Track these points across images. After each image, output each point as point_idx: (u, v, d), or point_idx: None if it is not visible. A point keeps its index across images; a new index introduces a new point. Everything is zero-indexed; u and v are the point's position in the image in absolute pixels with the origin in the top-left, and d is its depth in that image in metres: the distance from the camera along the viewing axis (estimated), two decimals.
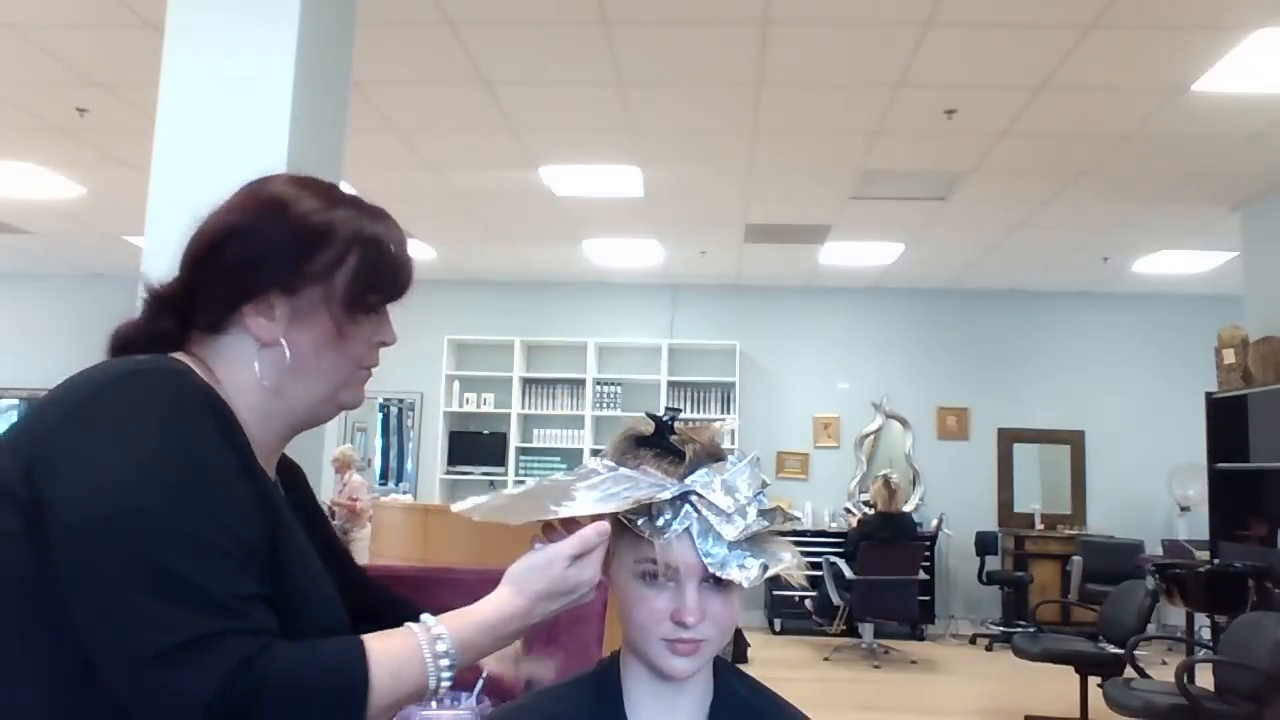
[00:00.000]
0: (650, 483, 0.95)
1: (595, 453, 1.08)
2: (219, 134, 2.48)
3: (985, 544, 8.05)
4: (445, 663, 0.89)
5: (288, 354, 0.98)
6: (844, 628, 7.43)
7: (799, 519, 1.15)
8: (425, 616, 0.92)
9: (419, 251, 7.34)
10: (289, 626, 0.87)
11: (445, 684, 0.89)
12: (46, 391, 0.93)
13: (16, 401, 8.28)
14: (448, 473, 8.45)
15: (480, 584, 0.99)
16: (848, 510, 8.13)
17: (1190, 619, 5.56)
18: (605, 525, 0.95)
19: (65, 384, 0.92)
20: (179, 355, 0.97)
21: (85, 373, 0.92)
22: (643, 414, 1.01)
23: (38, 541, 0.82)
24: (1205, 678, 4.22)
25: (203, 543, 0.82)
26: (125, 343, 1.00)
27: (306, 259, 0.98)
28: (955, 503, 8.31)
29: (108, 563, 0.79)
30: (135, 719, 0.81)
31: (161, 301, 1.01)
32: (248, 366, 0.98)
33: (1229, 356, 5.75)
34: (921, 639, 7.74)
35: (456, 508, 1.02)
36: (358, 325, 1.01)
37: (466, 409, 8.58)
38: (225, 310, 0.98)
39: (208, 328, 0.99)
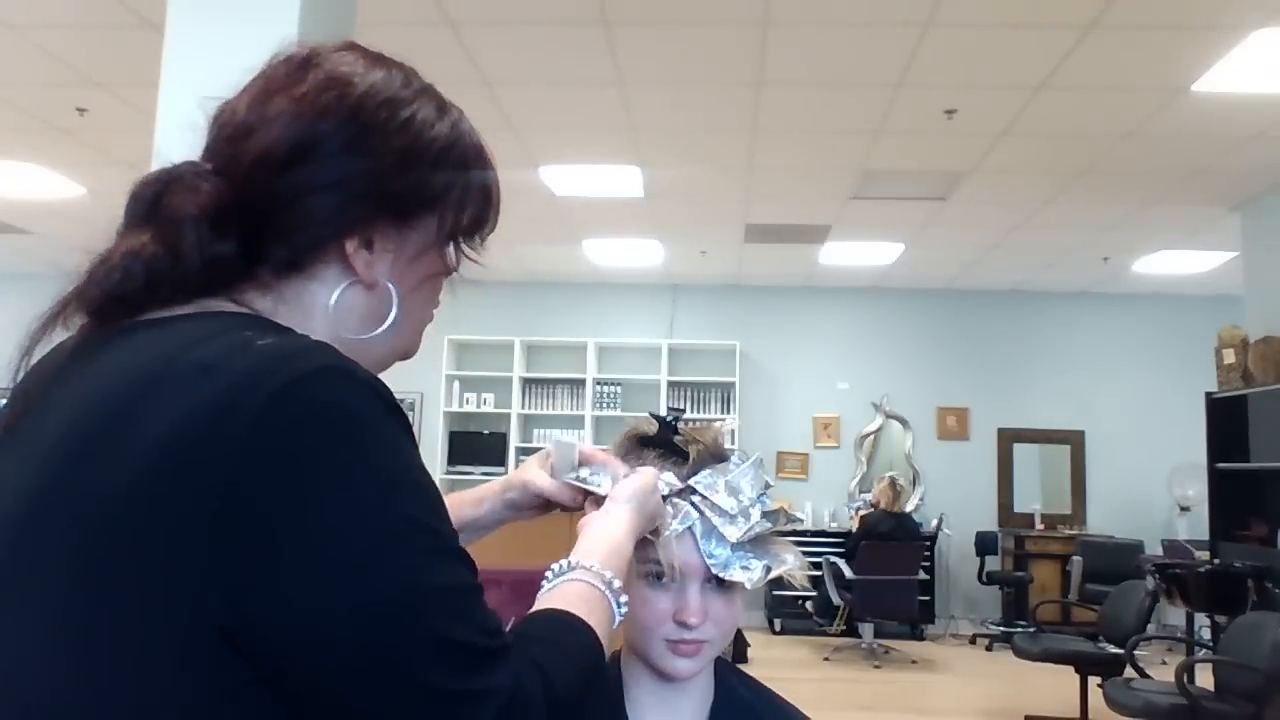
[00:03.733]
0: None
1: None
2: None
3: (985, 544, 8.05)
4: (623, 599, 0.82)
5: (395, 301, 0.76)
6: (844, 628, 7.43)
7: (802, 520, 1.15)
8: (578, 559, 0.82)
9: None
10: None
11: (621, 614, 0.82)
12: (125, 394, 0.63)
13: None
14: (448, 473, 8.45)
15: (483, 583, 0.99)
16: (857, 510, 8.11)
17: (1190, 619, 5.56)
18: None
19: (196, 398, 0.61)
20: (224, 304, 0.71)
21: (209, 375, 0.62)
22: (646, 414, 1.01)
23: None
24: (1205, 678, 4.22)
25: (458, 588, 0.65)
26: (157, 278, 0.69)
27: (428, 182, 0.76)
28: (955, 503, 8.31)
29: (386, 656, 0.60)
30: None
31: (223, 214, 0.70)
32: (324, 316, 0.74)
33: (1229, 356, 5.74)
34: (921, 639, 7.74)
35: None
36: (459, 260, 0.81)
37: (466, 409, 8.58)
38: (316, 243, 0.72)
39: (284, 265, 0.72)
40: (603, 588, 0.80)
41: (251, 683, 0.60)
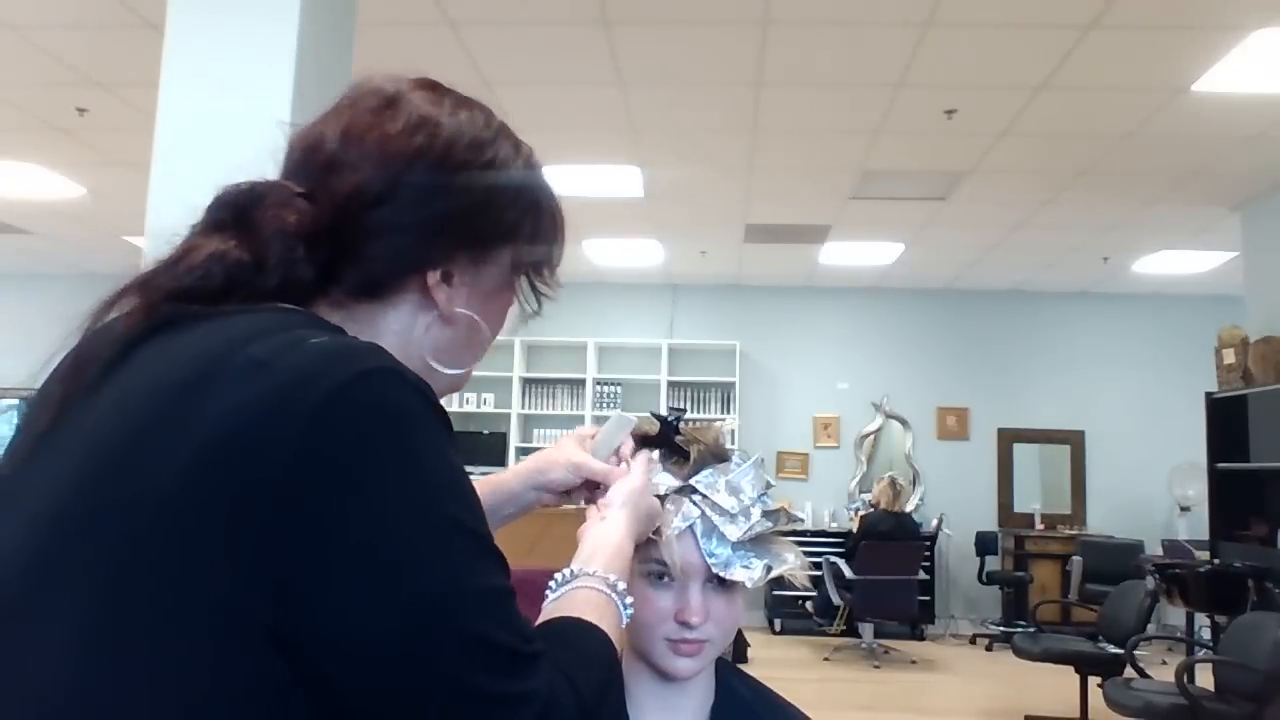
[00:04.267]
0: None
1: None
2: (219, 134, 2.48)
3: (985, 544, 8.05)
4: (628, 600, 0.82)
5: (483, 331, 0.80)
6: (844, 628, 7.43)
7: (802, 520, 1.15)
8: (580, 566, 0.83)
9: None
10: None
11: (628, 616, 0.83)
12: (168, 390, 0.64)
13: (17, 401, 8.28)
14: None
15: None
16: (856, 510, 8.11)
17: (1190, 619, 5.56)
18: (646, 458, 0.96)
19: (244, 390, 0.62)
20: (321, 313, 0.74)
21: (263, 373, 0.62)
22: (648, 414, 1.01)
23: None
24: (1205, 678, 4.22)
25: (498, 591, 0.66)
26: (233, 282, 0.70)
27: (505, 219, 0.79)
28: (955, 503, 8.31)
29: (429, 656, 0.61)
30: None
31: (315, 238, 0.72)
32: (402, 344, 0.75)
33: (1229, 356, 5.74)
34: (921, 639, 7.74)
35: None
36: (528, 294, 0.84)
37: (466, 409, 8.58)
38: (399, 274, 0.75)
39: (363, 292, 0.74)
40: (609, 592, 0.81)
41: (289, 685, 0.60)
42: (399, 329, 0.76)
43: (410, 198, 0.74)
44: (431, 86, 0.81)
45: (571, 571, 0.82)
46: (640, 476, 0.93)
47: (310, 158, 0.77)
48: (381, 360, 0.66)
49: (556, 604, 0.79)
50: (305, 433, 0.60)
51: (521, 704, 0.63)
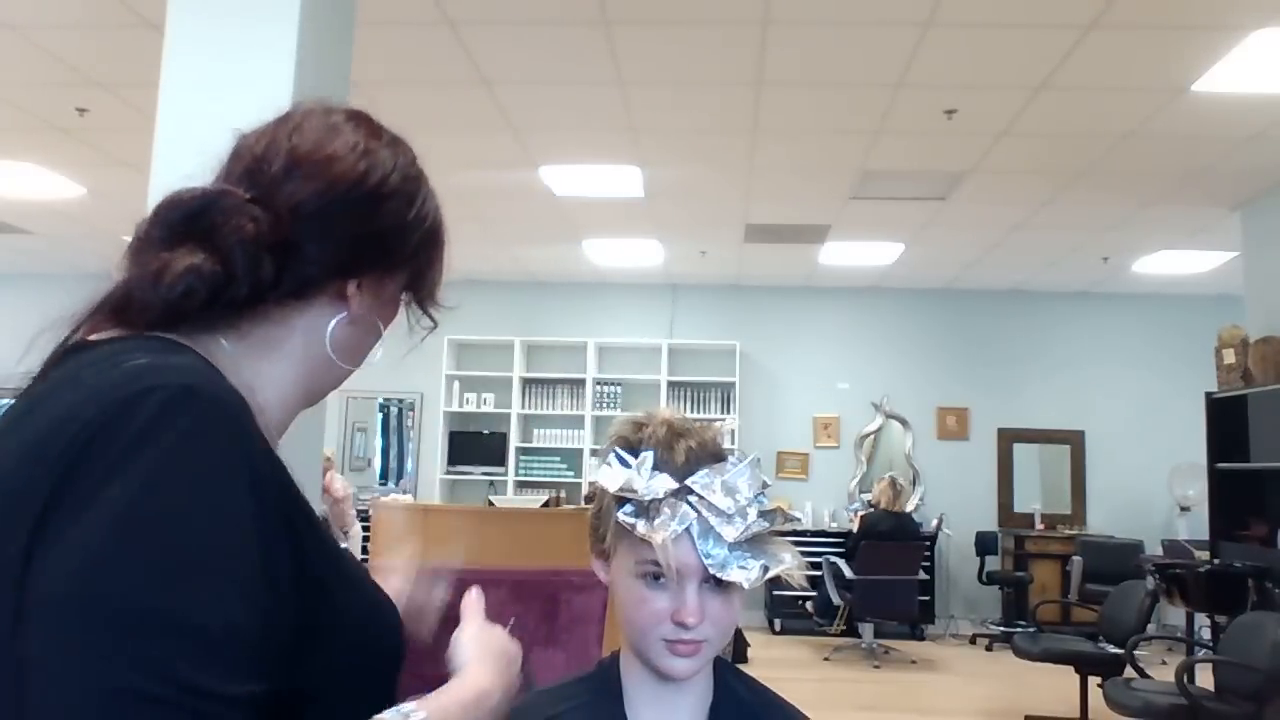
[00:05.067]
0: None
1: (594, 453, 1.08)
2: (219, 134, 2.47)
3: (985, 544, 8.06)
4: None
5: (380, 337, 0.92)
6: (844, 628, 7.43)
7: (799, 520, 1.15)
8: (403, 706, 0.78)
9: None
10: (346, 646, 0.78)
11: None
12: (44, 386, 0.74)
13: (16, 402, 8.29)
14: (448, 473, 8.45)
15: (483, 583, 0.99)
16: (856, 510, 8.11)
17: (1190, 619, 5.57)
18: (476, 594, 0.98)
19: (95, 390, 0.69)
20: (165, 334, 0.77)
21: (128, 378, 0.69)
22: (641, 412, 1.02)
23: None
24: (1205, 678, 4.22)
25: (187, 631, 0.64)
26: (214, 298, 0.76)
27: (411, 244, 0.90)
28: (955, 503, 8.31)
29: (78, 647, 0.61)
30: None
31: (277, 243, 0.79)
32: (309, 339, 0.85)
33: (1229, 356, 5.75)
34: (921, 639, 7.74)
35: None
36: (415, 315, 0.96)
37: (466, 409, 8.58)
38: (327, 278, 0.84)
39: (289, 294, 0.82)
40: None
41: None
42: (307, 326, 0.85)
43: (347, 215, 0.83)
44: (366, 120, 0.91)
45: (405, 706, 0.78)
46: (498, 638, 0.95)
47: (259, 168, 0.83)
48: (171, 378, 0.70)
49: None
50: (72, 441, 0.66)
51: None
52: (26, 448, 0.68)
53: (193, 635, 0.63)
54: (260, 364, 0.82)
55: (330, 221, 0.83)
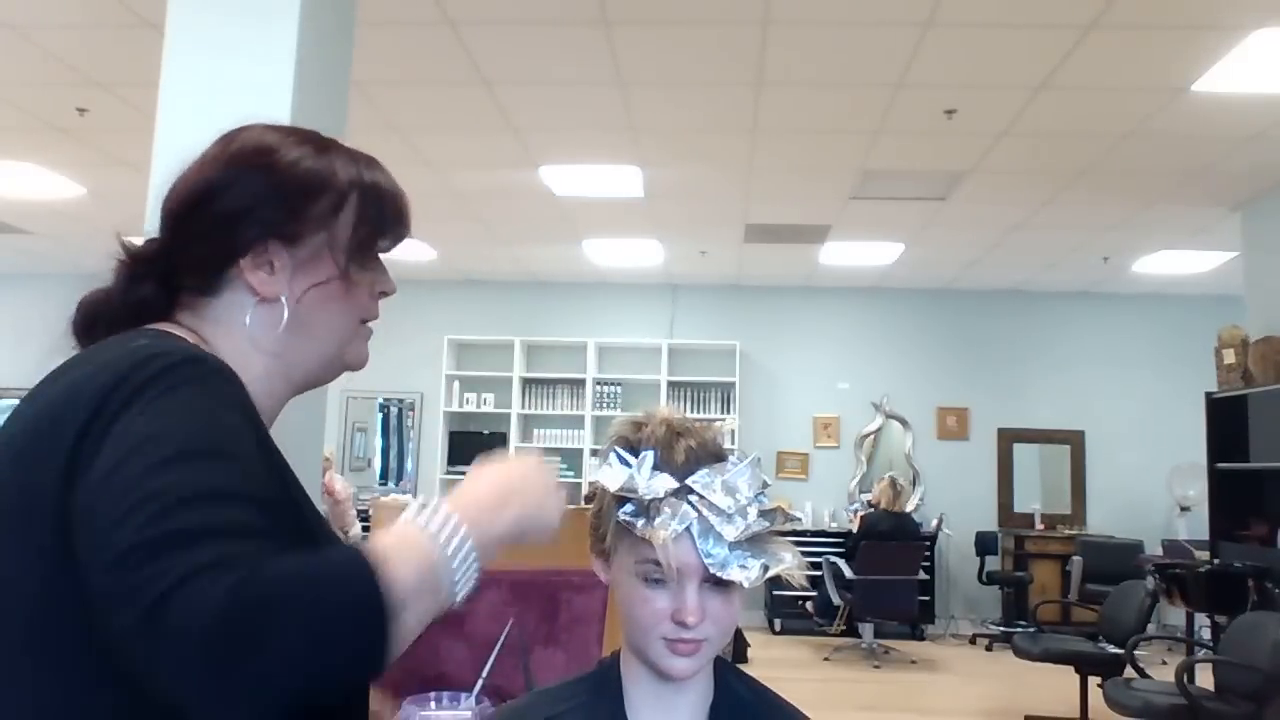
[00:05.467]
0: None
1: (594, 453, 1.08)
2: (219, 134, 2.47)
3: (985, 544, 8.06)
4: (455, 540, 0.76)
5: (286, 310, 0.90)
6: (844, 628, 7.43)
7: (799, 519, 1.15)
8: (424, 499, 0.80)
9: (419, 252, 7.34)
10: None
11: (470, 571, 0.77)
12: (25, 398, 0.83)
13: (16, 402, 8.29)
14: (448, 473, 8.45)
15: (482, 583, 0.99)
16: (856, 510, 8.11)
17: (1190, 619, 5.57)
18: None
19: (65, 382, 0.80)
20: (166, 326, 0.89)
21: (86, 363, 0.81)
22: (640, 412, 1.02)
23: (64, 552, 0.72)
24: (1205, 678, 4.22)
25: (220, 488, 0.71)
26: (93, 318, 0.90)
27: (305, 206, 0.90)
28: (955, 503, 8.31)
29: (129, 471, 0.70)
30: (141, 661, 0.66)
31: (139, 265, 0.91)
32: (241, 327, 0.90)
33: (1229, 356, 5.75)
34: (921, 639, 7.74)
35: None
36: (362, 274, 0.95)
37: (466, 409, 8.58)
38: (217, 268, 0.90)
39: (198, 291, 0.90)
40: (418, 530, 0.76)
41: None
42: (235, 318, 0.90)
43: (212, 201, 0.89)
44: (276, 129, 0.96)
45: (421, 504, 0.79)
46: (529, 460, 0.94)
47: (163, 201, 0.94)
48: (174, 346, 0.82)
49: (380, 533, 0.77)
50: (92, 399, 0.75)
51: (147, 577, 0.64)
52: (52, 403, 0.78)
53: (225, 495, 0.71)
54: (225, 356, 0.87)
55: (201, 211, 0.90)
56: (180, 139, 2.49)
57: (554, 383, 8.60)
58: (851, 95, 4.48)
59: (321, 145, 0.95)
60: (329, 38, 2.76)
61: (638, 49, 4.05)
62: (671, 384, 8.46)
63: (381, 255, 0.98)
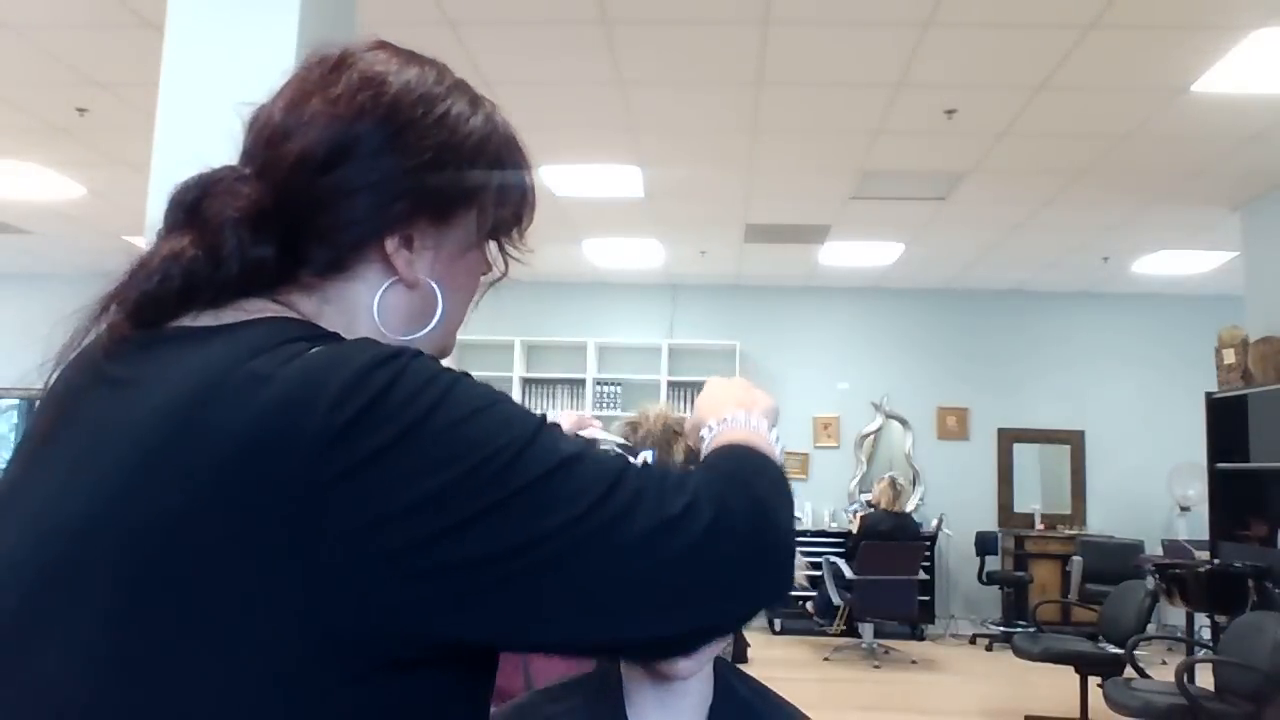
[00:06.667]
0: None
1: None
2: (219, 134, 2.47)
3: (985, 544, 8.05)
4: (775, 435, 0.85)
5: (440, 299, 0.76)
6: (844, 628, 7.43)
7: (799, 519, 1.15)
8: (719, 418, 0.87)
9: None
10: None
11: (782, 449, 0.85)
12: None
13: (17, 402, 8.28)
14: None
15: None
16: (856, 510, 8.11)
17: (1190, 619, 5.56)
18: None
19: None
20: (278, 310, 0.71)
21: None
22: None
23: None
24: (1205, 678, 4.22)
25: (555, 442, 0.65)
26: (191, 285, 0.68)
27: (462, 176, 0.75)
28: (955, 503, 8.31)
29: (529, 515, 0.60)
30: (676, 620, 0.64)
31: (261, 218, 0.70)
32: (369, 316, 0.74)
33: (1229, 356, 5.75)
34: (921, 639, 7.74)
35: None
36: (485, 257, 0.82)
37: None
38: (356, 244, 0.72)
39: (327, 267, 0.72)
40: (749, 427, 0.84)
41: (384, 669, 0.59)
42: (369, 302, 0.74)
43: (359, 159, 0.71)
44: (381, 46, 0.78)
45: (710, 425, 0.86)
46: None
47: (258, 135, 0.74)
48: (388, 349, 0.64)
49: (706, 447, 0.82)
50: (324, 425, 0.58)
51: (686, 519, 0.63)
52: (228, 452, 0.58)
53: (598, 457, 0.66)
54: None
55: (339, 173, 0.71)
56: (180, 139, 2.51)
57: (554, 383, 8.60)
58: (851, 95, 4.48)
59: (474, 95, 0.80)
60: (329, 38, 2.75)
61: (638, 49, 4.05)
62: (671, 384, 8.46)
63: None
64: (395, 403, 0.60)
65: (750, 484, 0.71)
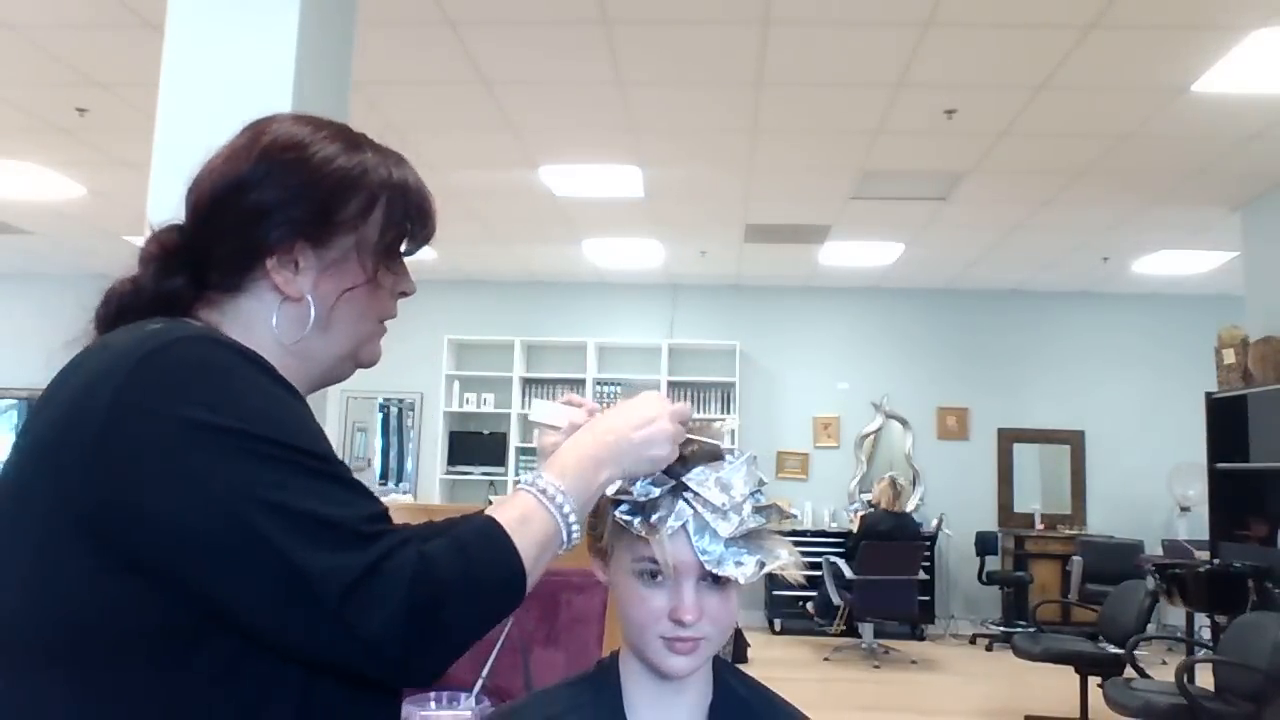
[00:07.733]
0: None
1: None
2: (219, 134, 2.47)
3: (985, 544, 8.05)
4: (566, 510, 0.88)
5: (313, 310, 0.91)
6: (844, 628, 7.43)
7: (795, 517, 1.15)
8: (531, 476, 0.90)
9: (419, 251, 7.33)
10: None
11: (575, 532, 0.88)
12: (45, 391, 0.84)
13: (16, 402, 8.28)
14: (448, 473, 8.46)
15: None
16: (856, 510, 8.11)
17: (1190, 619, 5.57)
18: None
19: (86, 372, 0.80)
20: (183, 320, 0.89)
21: (105, 351, 0.81)
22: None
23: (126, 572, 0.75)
24: (1205, 678, 4.22)
25: (325, 479, 0.79)
26: (121, 308, 0.89)
27: (336, 208, 0.90)
28: (955, 503, 8.31)
29: (250, 537, 0.74)
30: (334, 671, 0.77)
31: (171, 256, 0.90)
32: (266, 326, 0.90)
33: (1229, 356, 5.74)
34: (921, 639, 7.74)
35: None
36: (387, 275, 0.96)
37: (466, 409, 8.58)
38: (245, 266, 0.89)
39: (224, 287, 0.90)
40: (539, 497, 0.87)
41: (122, 569, 0.75)
42: (258, 315, 0.91)
43: (240, 196, 0.89)
44: (298, 117, 0.95)
45: (535, 476, 0.90)
46: (646, 399, 0.99)
47: (188, 189, 0.93)
48: (199, 331, 0.84)
49: (500, 501, 0.88)
50: (121, 386, 0.76)
51: (342, 571, 0.74)
52: (75, 390, 0.79)
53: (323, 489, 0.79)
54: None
55: (226, 207, 0.89)
56: (180, 139, 2.51)
57: (554, 383, 8.60)
58: (851, 95, 4.48)
59: (353, 142, 0.94)
60: (329, 38, 2.76)
61: (638, 49, 4.05)
62: (671, 384, 8.46)
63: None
64: (168, 388, 0.78)
65: (446, 559, 0.79)
